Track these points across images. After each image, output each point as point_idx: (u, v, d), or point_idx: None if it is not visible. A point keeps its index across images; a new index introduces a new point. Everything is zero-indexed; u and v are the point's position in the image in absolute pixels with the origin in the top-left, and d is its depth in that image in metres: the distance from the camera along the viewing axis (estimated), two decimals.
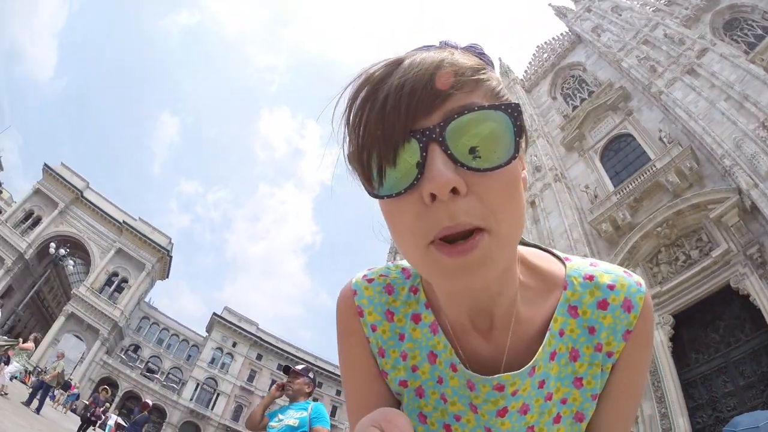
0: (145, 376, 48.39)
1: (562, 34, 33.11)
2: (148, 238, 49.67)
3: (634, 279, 0.70)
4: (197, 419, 47.73)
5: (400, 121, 0.52)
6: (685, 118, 19.11)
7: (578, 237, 21.98)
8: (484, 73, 0.57)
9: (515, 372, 0.68)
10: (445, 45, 0.61)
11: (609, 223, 21.09)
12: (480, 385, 0.70)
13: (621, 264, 19.39)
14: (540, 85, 32.54)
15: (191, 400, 48.64)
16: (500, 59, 37.51)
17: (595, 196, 22.99)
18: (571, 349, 0.70)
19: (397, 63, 0.56)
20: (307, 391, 3.92)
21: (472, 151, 0.52)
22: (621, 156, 23.58)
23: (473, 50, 0.62)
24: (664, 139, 19.84)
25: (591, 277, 0.70)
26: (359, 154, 0.55)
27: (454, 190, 0.51)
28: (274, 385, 4.19)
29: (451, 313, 0.71)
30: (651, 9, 26.46)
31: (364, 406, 0.77)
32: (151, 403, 15.57)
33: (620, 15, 27.28)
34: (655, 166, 19.74)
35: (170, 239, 52.57)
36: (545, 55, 33.67)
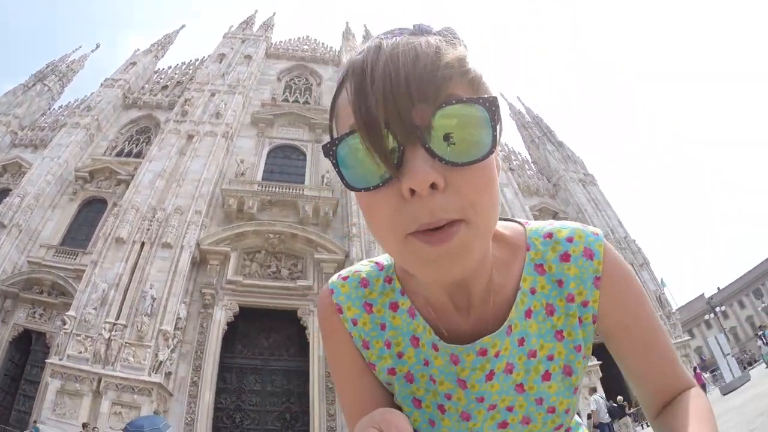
0: None
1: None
2: None
3: (590, 229, 0.72)
4: None
5: (377, 113, 0.50)
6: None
7: (205, 192, 21.24)
8: (466, 64, 0.56)
9: (493, 333, 0.70)
10: (419, 29, 0.57)
11: (237, 202, 21.19)
12: (464, 355, 0.71)
13: (216, 243, 19.08)
14: (281, 61, 32.24)
15: None
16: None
17: (242, 174, 22.82)
18: (546, 304, 0.72)
19: (377, 50, 0.54)
20: None
21: (447, 138, 0.51)
22: (286, 162, 25.26)
23: (450, 35, 0.58)
24: (325, 179, 22.85)
25: (550, 234, 0.73)
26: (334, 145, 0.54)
27: (433, 185, 0.51)
28: None
29: (431, 295, 0.72)
30: None
31: (357, 402, 0.77)
32: None
33: None
34: (303, 191, 22.20)
35: None
36: (305, 47, 34.15)
